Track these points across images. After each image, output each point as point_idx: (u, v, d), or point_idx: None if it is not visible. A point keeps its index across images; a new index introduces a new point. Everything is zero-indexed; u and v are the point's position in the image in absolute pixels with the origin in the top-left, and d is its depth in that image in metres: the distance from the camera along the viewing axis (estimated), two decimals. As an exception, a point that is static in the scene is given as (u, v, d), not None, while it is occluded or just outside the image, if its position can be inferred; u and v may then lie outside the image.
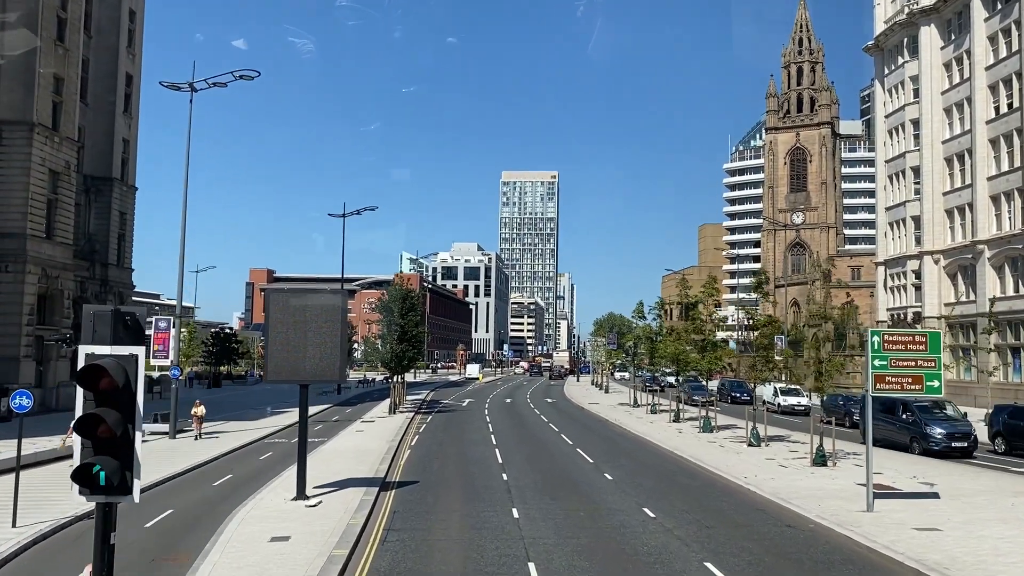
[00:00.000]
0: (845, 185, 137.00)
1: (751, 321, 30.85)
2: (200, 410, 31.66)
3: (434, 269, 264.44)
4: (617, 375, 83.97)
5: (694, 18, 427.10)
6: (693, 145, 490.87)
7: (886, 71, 69.43)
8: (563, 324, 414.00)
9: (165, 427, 34.03)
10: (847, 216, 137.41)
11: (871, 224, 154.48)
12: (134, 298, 65.21)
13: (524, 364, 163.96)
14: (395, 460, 28.04)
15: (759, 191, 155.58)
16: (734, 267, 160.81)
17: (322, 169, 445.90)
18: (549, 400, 64.24)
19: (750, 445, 31.60)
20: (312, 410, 51.02)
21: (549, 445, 33.24)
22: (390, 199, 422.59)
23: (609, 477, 24.37)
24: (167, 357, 34.38)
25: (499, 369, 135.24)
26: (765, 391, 50.00)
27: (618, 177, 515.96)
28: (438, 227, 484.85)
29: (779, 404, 49.36)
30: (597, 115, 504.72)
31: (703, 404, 38.82)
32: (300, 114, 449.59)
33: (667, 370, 55.39)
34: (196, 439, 31.89)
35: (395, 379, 49.07)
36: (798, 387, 44.58)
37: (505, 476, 24.39)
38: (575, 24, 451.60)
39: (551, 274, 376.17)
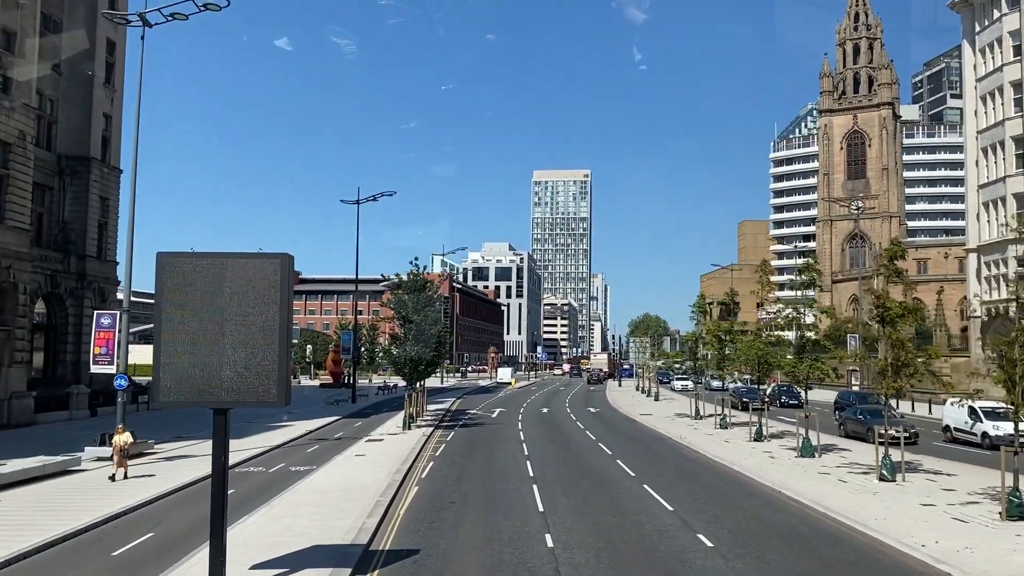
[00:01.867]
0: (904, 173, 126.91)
1: (881, 311, 22.45)
2: (122, 439, 23.20)
3: (465, 270, 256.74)
4: (678, 384, 68.99)
5: (732, 5, 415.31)
6: (729, 140, 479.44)
7: (977, 28, 60.17)
8: (597, 326, 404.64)
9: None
10: (906, 207, 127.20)
11: (932, 215, 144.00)
12: (120, 296, 57.94)
13: (566, 366, 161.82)
14: (393, 505, 20.07)
15: (809, 181, 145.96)
16: (782, 263, 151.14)
17: (364, 168, 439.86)
18: (592, 410, 55.90)
19: (881, 479, 23.13)
20: (316, 424, 43.38)
21: (605, 478, 25.03)
22: (429, 197, 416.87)
23: (707, 542, 16.11)
24: (111, 363, 26.73)
25: (532, 373, 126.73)
26: (950, 413, 35.38)
27: (651, 175, 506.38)
28: (471, 227, 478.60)
29: (986, 434, 32.00)
30: (630, 111, 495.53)
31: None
32: (342, 113, 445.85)
33: (745, 376, 45.91)
34: (115, 479, 23.22)
35: (411, 387, 41.20)
36: (1001, 405, 32.67)
37: (550, 540, 16.26)
38: (608, 20, 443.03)
39: (584, 275, 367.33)
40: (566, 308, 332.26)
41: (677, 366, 48.33)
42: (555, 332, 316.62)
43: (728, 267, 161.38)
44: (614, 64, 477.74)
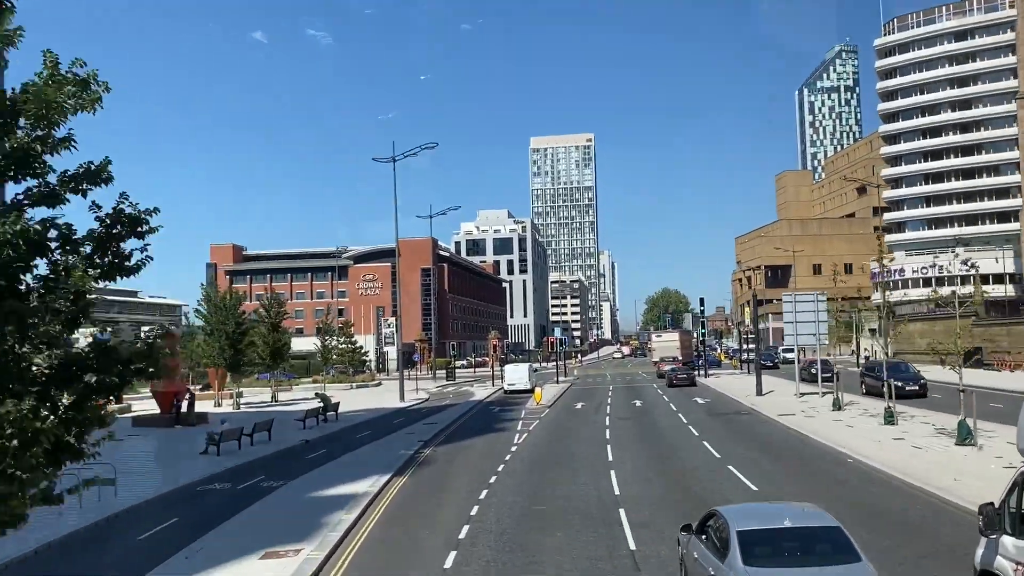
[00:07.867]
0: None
1: None
2: None
3: (457, 243, 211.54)
4: None
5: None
6: (750, 85, 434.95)
7: None
8: (606, 306, 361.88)
9: None
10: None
11: None
12: None
13: (624, 348, 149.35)
14: None
15: (935, 73, 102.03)
16: (900, 192, 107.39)
17: (342, 160, 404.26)
18: None
19: None
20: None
21: None
22: (410, 186, 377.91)
23: None
24: None
25: (557, 365, 79.51)
26: None
27: (657, 138, 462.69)
28: (463, 202, 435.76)
29: None
30: (633, 62, 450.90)
31: None
32: (319, 104, 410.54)
33: None
34: None
35: None
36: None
37: None
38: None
39: (591, 250, 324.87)
40: (576, 286, 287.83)
41: None
42: (565, 313, 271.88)
43: (764, 228, 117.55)
44: (613, 18, 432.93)
